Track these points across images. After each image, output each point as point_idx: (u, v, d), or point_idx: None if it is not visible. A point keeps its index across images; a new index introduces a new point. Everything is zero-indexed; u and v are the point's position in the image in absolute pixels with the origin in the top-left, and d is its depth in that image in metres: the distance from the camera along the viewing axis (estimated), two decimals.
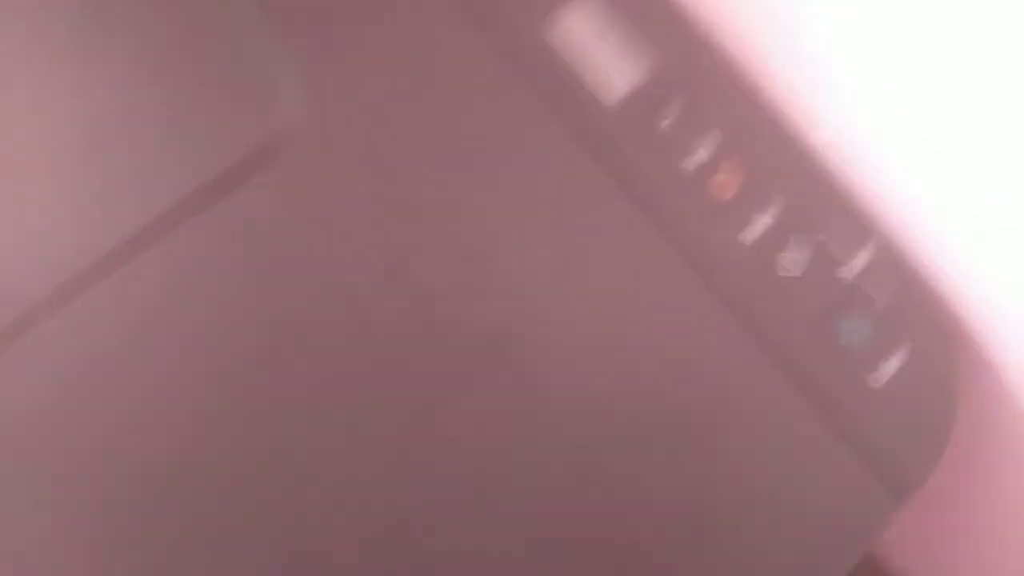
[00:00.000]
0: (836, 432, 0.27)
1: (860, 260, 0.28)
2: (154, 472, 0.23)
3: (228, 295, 0.25)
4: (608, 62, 0.28)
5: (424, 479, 0.24)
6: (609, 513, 0.26)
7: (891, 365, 0.28)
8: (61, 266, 0.24)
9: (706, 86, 0.28)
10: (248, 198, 0.25)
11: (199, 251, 0.25)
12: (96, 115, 0.26)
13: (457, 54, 0.27)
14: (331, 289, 0.25)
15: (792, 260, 0.28)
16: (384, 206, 0.25)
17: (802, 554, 0.26)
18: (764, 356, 0.27)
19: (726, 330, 0.27)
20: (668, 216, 0.27)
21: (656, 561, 0.26)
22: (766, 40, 0.28)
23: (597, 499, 0.26)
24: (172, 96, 0.26)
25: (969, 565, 0.35)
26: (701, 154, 0.27)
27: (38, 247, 0.24)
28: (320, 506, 0.23)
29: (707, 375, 0.27)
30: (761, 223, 0.28)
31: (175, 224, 0.25)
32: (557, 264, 0.26)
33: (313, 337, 0.24)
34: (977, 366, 0.29)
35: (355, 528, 0.23)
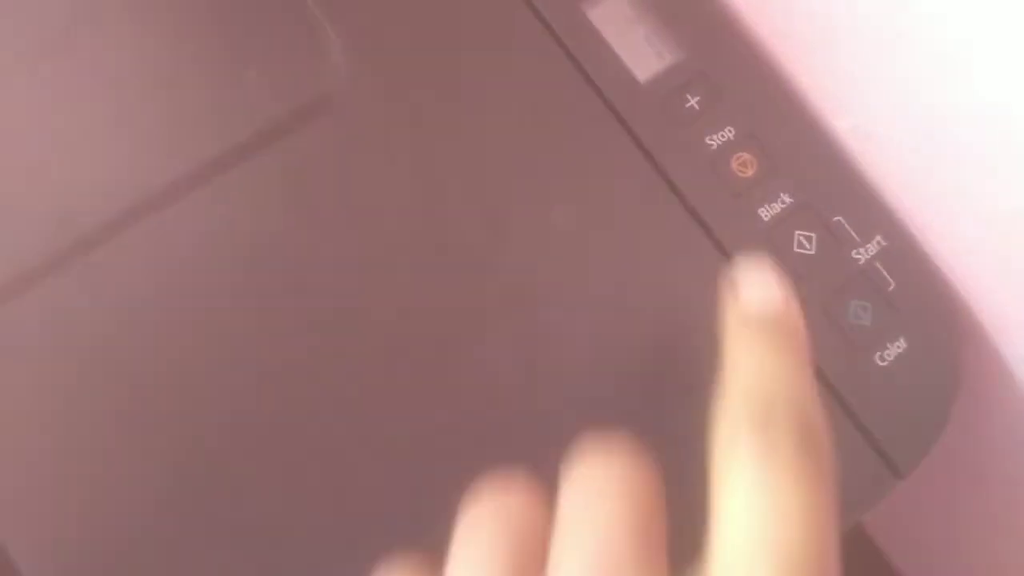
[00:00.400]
0: (838, 404, 0.28)
1: (874, 244, 0.29)
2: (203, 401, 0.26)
3: (274, 231, 0.27)
4: (644, 41, 0.29)
5: (439, 410, 0.26)
6: None
7: (897, 345, 0.29)
8: (123, 193, 0.27)
9: (734, 69, 0.29)
10: (294, 146, 0.27)
11: (248, 191, 0.27)
12: (157, 62, 0.28)
13: (502, 22, 0.29)
14: (365, 232, 0.27)
15: (808, 239, 0.29)
16: (422, 157, 0.27)
17: None
18: None
19: None
20: (690, 188, 0.29)
21: None
22: (794, 28, 0.29)
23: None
24: (227, 47, 0.28)
25: (962, 545, 0.36)
26: (725, 133, 0.29)
27: (104, 173, 0.27)
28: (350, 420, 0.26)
29: (717, 340, 0.28)
30: (780, 201, 0.29)
31: (227, 165, 0.27)
32: (581, 221, 0.28)
33: (346, 273, 0.27)
34: (981, 351, 0.30)
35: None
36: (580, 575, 0.15)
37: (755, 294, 0.21)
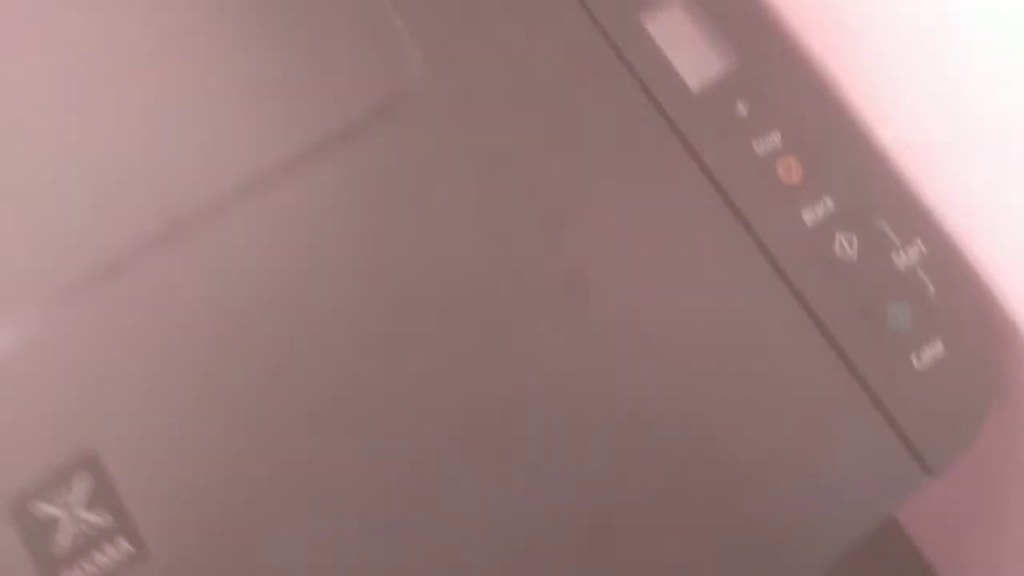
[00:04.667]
0: (875, 403, 0.29)
1: (914, 249, 0.30)
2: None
3: (347, 230, 0.29)
4: (697, 52, 0.31)
5: (494, 397, 0.28)
6: (655, 459, 0.29)
7: (935, 348, 0.30)
8: (203, 189, 0.29)
9: (781, 78, 0.31)
10: (366, 148, 0.29)
11: (322, 190, 0.29)
12: (237, 66, 0.30)
13: (564, 32, 0.31)
14: (431, 230, 0.29)
15: (850, 243, 0.30)
16: (487, 161, 0.29)
17: (828, 509, 0.29)
18: (815, 328, 0.30)
19: (782, 301, 0.30)
20: (737, 193, 0.30)
21: (696, 499, 0.29)
22: (840, 40, 0.30)
23: (646, 446, 0.29)
24: (304, 52, 0.30)
25: (994, 541, 0.37)
26: (773, 140, 0.30)
27: (187, 166, 0.29)
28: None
29: (760, 340, 0.30)
30: (823, 207, 0.30)
31: (303, 163, 0.29)
32: (633, 223, 0.29)
33: (414, 268, 0.29)
34: (1018, 356, 0.31)
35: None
36: None
37: None
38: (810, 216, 0.30)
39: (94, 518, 0.26)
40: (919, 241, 0.30)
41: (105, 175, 0.29)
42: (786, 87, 0.31)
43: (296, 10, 0.31)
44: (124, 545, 0.26)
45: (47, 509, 0.26)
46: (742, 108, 0.31)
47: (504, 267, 0.29)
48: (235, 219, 0.28)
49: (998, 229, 0.30)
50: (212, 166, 0.29)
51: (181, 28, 0.30)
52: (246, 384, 0.27)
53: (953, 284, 0.30)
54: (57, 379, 0.27)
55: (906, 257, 0.30)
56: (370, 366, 0.28)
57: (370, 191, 0.29)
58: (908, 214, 0.31)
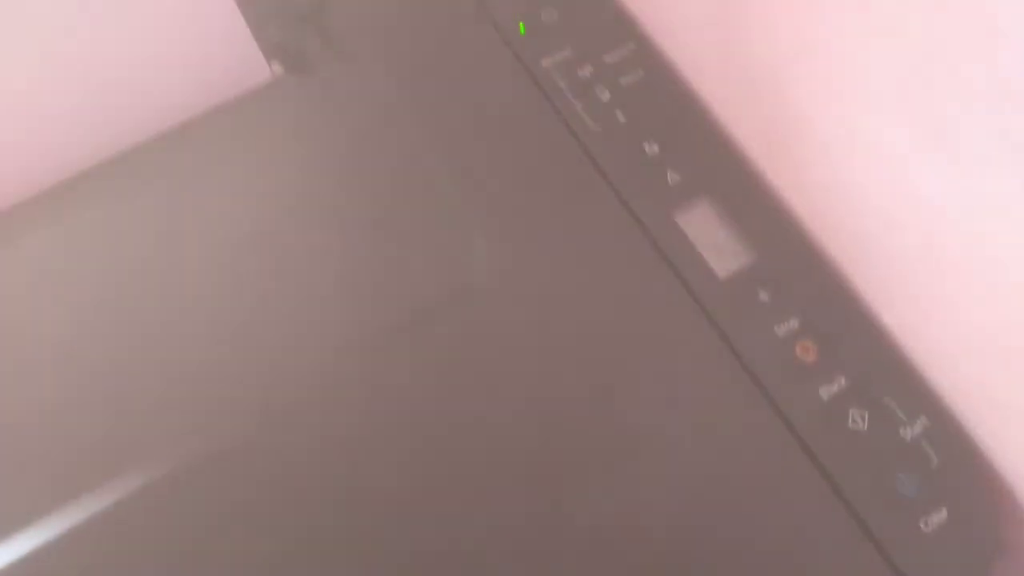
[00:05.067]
0: (887, 565, 0.33)
1: (919, 423, 0.34)
2: None
3: (420, 405, 0.33)
4: (723, 245, 0.35)
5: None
6: None
7: (940, 515, 0.33)
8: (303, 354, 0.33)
9: (799, 270, 0.35)
10: (438, 331, 0.34)
11: (397, 366, 0.33)
12: (328, 254, 0.35)
13: (607, 225, 0.36)
14: (496, 401, 0.33)
15: (862, 417, 0.34)
16: (542, 341, 0.34)
17: None
18: (832, 493, 0.33)
19: (802, 470, 0.33)
20: (761, 370, 0.34)
21: None
22: (854, 240, 0.35)
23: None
24: (386, 238, 0.35)
25: None
26: (791, 324, 0.34)
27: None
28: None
29: (782, 505, 0.33)
30: (837, 384, 0.34)
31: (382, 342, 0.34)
32: (666, 395, 0.33)
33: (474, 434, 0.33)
34: (1016, 520, 0.34)
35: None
36: None
37: None
38: (826, 392, 0.34)
39: None
40: (923, 417, 0.34)
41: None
42: (802, 277, 0.35)
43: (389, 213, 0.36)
44: None
45: None
46: (764, 296, 0.35)
47: (558, 435, 0.33)
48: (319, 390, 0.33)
49: (997, 406, 0.34)
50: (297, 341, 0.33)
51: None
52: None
53: (955, 455, 0.34)
54: None
55: (912, 431, 0.34)
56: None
57: (439, 371, 0.33)
58: (913, 391, 0.34)
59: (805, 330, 0.35)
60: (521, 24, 0.40)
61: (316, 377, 0.33)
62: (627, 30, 0.40)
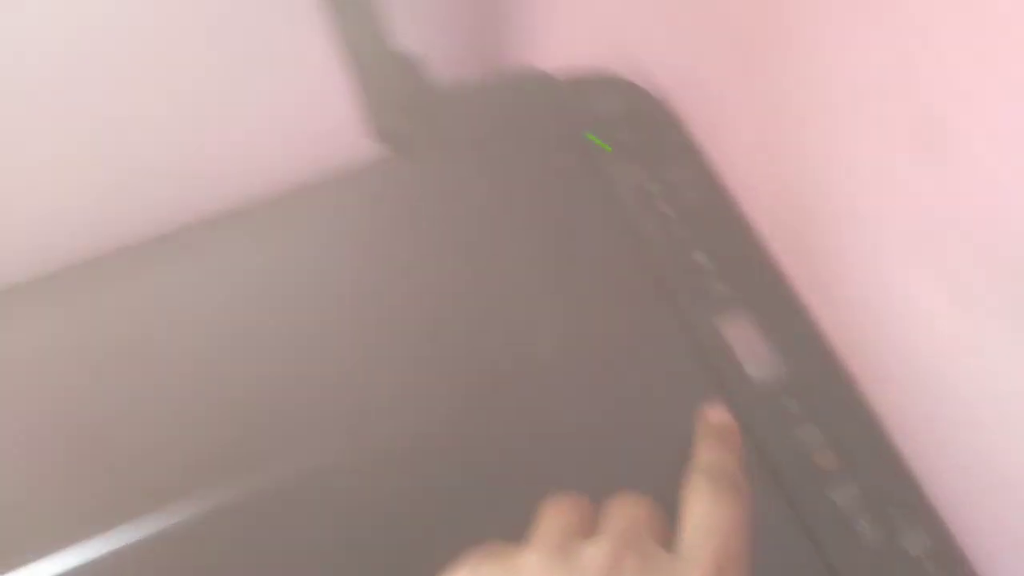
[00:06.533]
0: None
1: (922, 540, 0.37)
2: None
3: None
4: (758, 352, 0.40)
5: None
6: None
7: None
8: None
9: (823, 385, 0.39)
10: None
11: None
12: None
13: (658, 322, 0.40)
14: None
15: (870, 525, 0.37)
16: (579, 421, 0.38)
17: None
18: None
19: (816, 569, 0.36)
20: (783, 470, 0.37)
21: None
22: (876, 359, 0.39)
23: None
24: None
25: None
26: (813, 432, 0.38)
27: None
28: None
29: None
30: (850, 492, 0.37)
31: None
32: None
33: None
34: None
35: None
36: (617, 533, 0.28)
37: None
38: (840, 498, 0.37)
39: None
40: (926, 537, 0.37)
41: None
42: (826, 392, 0.39)
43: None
44: None
45: None
46: (790, 403, 0.39)
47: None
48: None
49: (996, 535, 0.37)
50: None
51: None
52: None
53: (954, 569, 0.37)
54: None
55: (914, 543, 0.37)
56: None
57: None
58: (919, 508, 0.38)
59: (825, 439, 0.38)
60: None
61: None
62: (692, 156, 0.46)
